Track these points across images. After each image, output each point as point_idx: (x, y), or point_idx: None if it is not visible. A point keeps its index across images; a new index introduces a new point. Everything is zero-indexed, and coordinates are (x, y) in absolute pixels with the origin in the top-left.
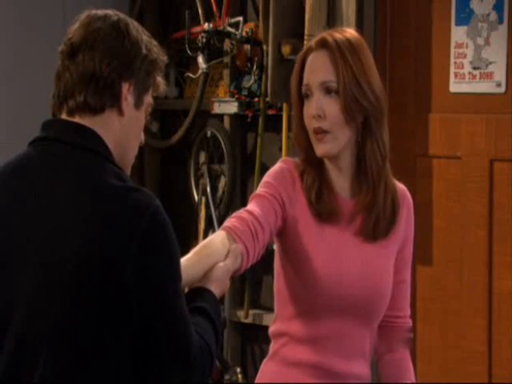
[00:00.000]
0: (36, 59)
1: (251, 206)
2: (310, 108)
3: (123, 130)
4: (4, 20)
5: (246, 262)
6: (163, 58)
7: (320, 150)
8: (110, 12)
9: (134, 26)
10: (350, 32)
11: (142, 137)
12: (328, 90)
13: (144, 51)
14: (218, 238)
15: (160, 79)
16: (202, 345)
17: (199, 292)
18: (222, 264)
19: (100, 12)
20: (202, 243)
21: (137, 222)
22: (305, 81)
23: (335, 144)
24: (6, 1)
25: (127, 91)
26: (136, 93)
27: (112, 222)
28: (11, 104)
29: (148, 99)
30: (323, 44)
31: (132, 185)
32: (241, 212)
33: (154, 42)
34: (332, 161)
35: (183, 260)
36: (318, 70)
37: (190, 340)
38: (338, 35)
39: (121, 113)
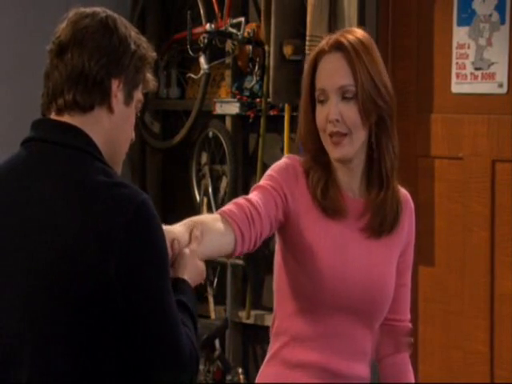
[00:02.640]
0: (38, 59)
1: (251, 195)
2: (326, 113)
3: (113, 126)
4: (7, 20)
5: (240, 244)
6: (152, 53)
7: (336, 153)
8: (97, 9)
9: (122, 23)
10: (360, 32)
11: (133, 134)
12: (345, 95)
13: (133, 47)
14: (210, 216)
15: (149, 75)
16: (191, 349)
17: (174, 284)
18: (186, 250)
19: (88, 9)
20: (194, 217)
21: (119, 217)
22: (319, 85)
23: (351, 147)
24: (8, 1)
25: (117, 88)
26: (126, 89)
27: (96, 218)
28: (13, 104)
29: (138, 95)
30: (338, 46)
31: (118, 180)
32: (238, 199)
33: (143, 38)
34: (344, 163)
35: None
36: (334, 74)
37: (179, 339)
38: (350, 36)
39: (110, 110)
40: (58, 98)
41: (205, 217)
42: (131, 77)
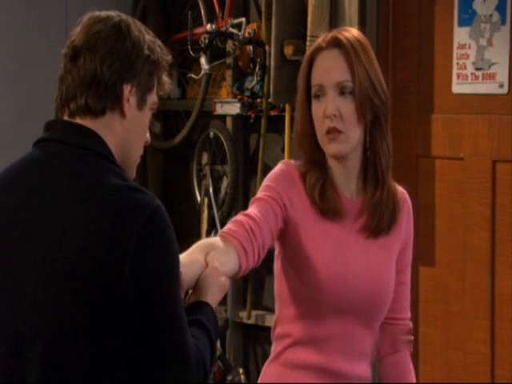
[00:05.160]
0: (38, 60)
1: (249, 209)
2: (324, 108)
3: (125, 131)
4: (6, 21)
5: (244, 259)
6: (167, 57)
7: (332, 149)
8: (112, 13)
9: (137, 27)
10: (355, 31)
11: (148, 136)
12: (343, 90)
13: (146, 52)
14: (210, 239)
15: (165, 78)
16: (198, 357)
17: (195, 305)
18: (207, 270)
19: (102, 13)
20: (196, 243)
21: (135, 222)
22: (316, 81)
23: (347, 144)
24: (8, 1)
25: (129, 93)
26: (138, 94)
27: (111, 222)
28: (13, 105)
29: (152, 98)
30: (335, 43)
31: (133, 184)
32: (237, 216)
33: (158, 42)
34: (340, 161)
35: (182, 257)
36: (332, 69)
37: (184, 342)
38: (347, 34)
39: (122, 115)
40: (70, 103)
41: (204, 241)
42: (144, 81)
